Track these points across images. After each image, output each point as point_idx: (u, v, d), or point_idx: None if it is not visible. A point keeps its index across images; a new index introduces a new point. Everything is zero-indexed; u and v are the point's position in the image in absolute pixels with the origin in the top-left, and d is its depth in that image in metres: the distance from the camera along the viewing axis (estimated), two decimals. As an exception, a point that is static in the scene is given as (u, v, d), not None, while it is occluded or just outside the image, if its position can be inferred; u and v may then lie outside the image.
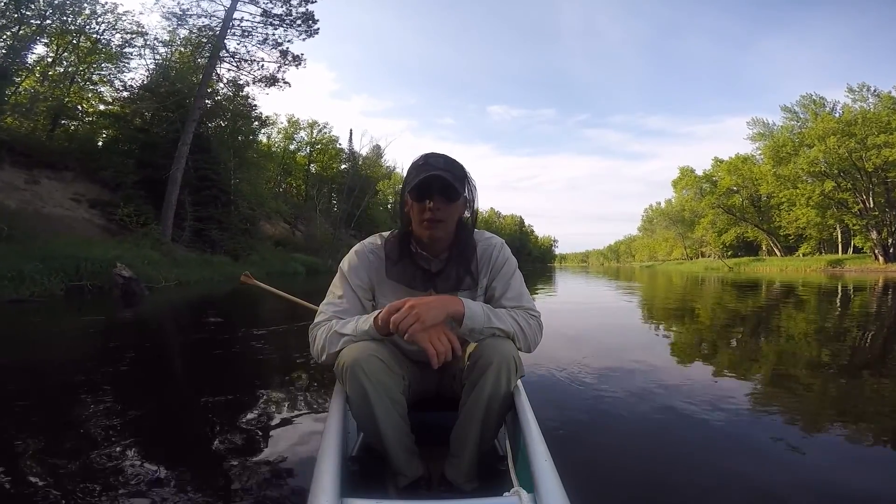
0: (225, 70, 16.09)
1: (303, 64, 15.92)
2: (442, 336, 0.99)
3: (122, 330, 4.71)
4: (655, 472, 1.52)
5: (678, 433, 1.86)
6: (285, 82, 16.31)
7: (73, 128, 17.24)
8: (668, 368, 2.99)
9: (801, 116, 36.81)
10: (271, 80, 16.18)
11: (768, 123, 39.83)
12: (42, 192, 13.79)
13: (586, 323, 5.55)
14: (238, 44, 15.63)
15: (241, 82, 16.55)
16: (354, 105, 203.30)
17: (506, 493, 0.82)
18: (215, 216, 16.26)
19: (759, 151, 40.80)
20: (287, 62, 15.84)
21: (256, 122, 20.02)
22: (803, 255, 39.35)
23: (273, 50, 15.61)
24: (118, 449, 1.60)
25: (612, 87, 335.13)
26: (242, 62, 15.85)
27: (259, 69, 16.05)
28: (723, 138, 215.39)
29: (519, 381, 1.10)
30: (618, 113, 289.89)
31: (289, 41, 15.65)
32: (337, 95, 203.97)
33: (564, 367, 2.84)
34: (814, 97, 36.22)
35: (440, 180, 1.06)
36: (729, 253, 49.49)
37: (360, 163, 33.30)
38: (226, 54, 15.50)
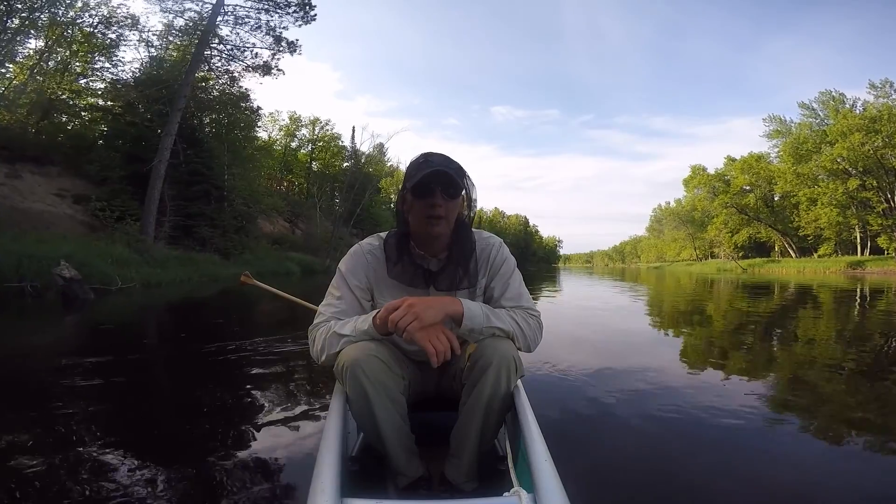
0: (216, 59, 15.35)
1: (298, 51, 15.11)
2: (441, 335, 0.98)
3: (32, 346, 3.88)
4: (656, 472, 1.48)
5: (680, 434, 1.82)
6: (279, 70, 15.52)
7: (66, 123, 16.69)
8: (673, 371, 2.88)
9: (820, 114, 35.65)
10: (265, 69, 15.39)
11: (785, 121, 38.68)
12: (23, 187, 13.27)
13: (588, 323, 5.33)
14: (231, 31, 14.90)
15: (232, 69, 15.78)
16: (359, 105, 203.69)
17: (506, 493, 0.82)
18: (207, 213, 15.52)
19: (776, 149, 39.75)
20: (281, 49, 15.03)
21: (251, 114, 19.17)
22: (819, 256, 38.02)
23: (266, 36, 14.83)
24: (115, 452, 1.54)
25: (617, 88, 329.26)
26: (234, 49, 15.08)
27: (252, 57, 15.29)
28: (727, 139, 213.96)
29: (519, 381, 1.10)
30: (622, 114, 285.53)
31: (284, 28, 14.86)
32: (341, 96, 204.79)
33: (565, 368, 2.77)
34: (833, 94, 35.03)
35: (443, 176, 1.06)
36: (740, 254, 48.18)
37: (362, 160, 32.53)
38: (216, 41, 14.74)
